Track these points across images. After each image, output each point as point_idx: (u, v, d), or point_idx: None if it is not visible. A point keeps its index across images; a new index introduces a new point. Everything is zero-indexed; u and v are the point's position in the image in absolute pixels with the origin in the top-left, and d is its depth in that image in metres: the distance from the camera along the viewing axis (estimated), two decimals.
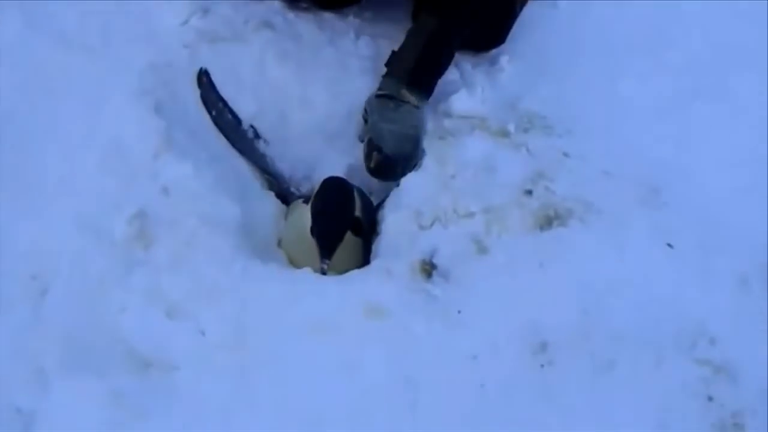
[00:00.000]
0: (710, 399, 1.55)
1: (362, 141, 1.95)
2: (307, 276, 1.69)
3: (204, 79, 2.00)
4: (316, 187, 1.83)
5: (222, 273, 1.66)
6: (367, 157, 1.90)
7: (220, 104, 1.99)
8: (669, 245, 1.72)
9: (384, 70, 1.96)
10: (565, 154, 1.87)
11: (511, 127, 1.91)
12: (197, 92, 1.99)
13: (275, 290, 1.64)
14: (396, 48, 1.96)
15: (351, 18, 2.20)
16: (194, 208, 1.74)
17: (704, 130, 1.97)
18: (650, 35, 2.23)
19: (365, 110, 1.94)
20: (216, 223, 1.73)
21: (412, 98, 1.90)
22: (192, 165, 1.79)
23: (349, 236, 1.77)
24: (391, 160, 1.87)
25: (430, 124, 1.95)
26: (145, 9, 2.07)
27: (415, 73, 1.91)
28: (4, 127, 1.87)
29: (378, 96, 1.91)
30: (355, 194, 1.82)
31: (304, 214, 1.79)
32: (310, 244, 1.73)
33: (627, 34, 2.26)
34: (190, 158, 1.81)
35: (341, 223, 1.77)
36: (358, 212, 1.81)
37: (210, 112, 1.98)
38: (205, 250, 1.69)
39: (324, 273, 1.71)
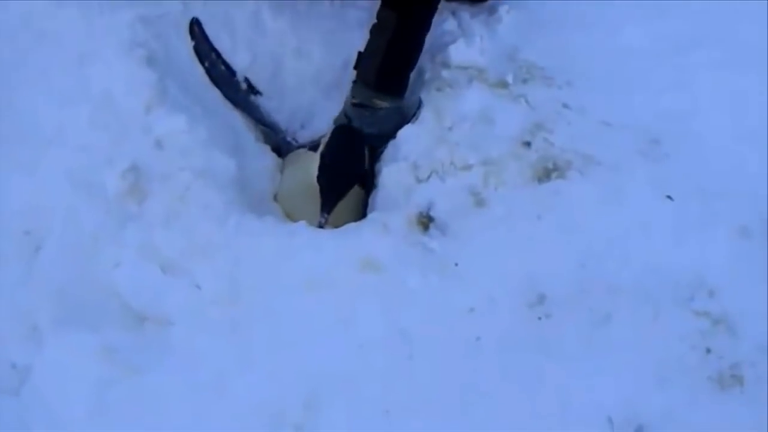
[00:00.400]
0: (708, 351, 1.54)
1: None
2: (303, 230, 1.68)
3: (196, 30, 1.96)
4: (328, 133, 1.81)
5: (216, 228, 1.65)
6: None
7: (213, 55, 1.96)
8: (668, 197, 1.70)
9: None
10: (565, 106, 1.84)
11: (510, 78, 1.88)
12: (191, 44, 1.95)
13: (270, 245, 1.63)
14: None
15: None
16: (188, 163, 1.72)
17: (705, 79, 1.92)
18: None
19: (345, 113, 1.90)
20: (210, 178, 1.71)
21: (385, 103, 1.85)
22: (185, 118, 1.77)
23: (355, 189, 1.76)
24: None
25: (428, 74, 1.93)
26: None
27: (383, 78, 1.84)
28: None
29: (354, 105, 1.87)
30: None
31: (308, 162, 1.77)
32: (314, 193, 1.72)
33: None
34: (183, 111, 1.78)
35: (349, 178, 1.76)
36: (367, 165, 1.80)
37: (202, 63, 1.95)
38: (199, 205, 1.68)
39: (321, 226, 1.69)
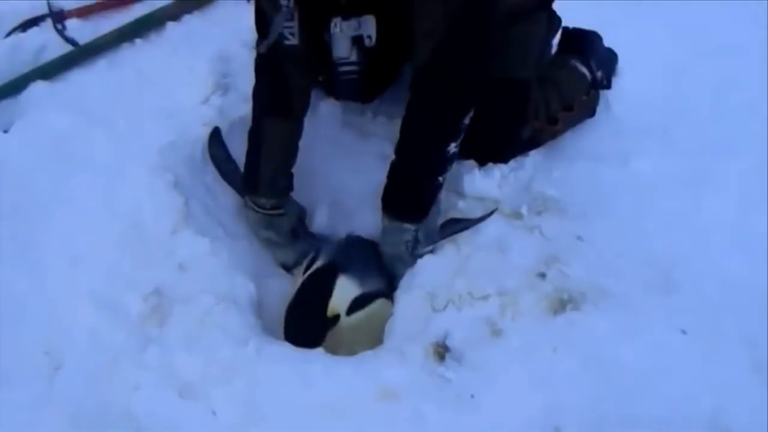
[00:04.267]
0: None
1: None
2: (320, 357, 1.69)
3: (215, 138, 2.03)
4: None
5: (235, 352, 1.66)
6: None
7: (231, 164, 2.03)
8: (682, 331, 1.72)
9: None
10: (579, 237, 1.88)
11: (525, 210, 1.92)
12: (206, 152, 2.03)
13: (288, 371, 1.64)
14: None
15: None
16: (210, 286, 1.75)
17: (715, 211, 1.97)
18: (661, 114, 2.26)
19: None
20: (231, 301, 1.74)
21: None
22: (209, 242, 1.81)
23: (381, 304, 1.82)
24: None
25: (444, 204, 1.96)
26: (168, 86, 2.13)
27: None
28: (22, 198, 1.90)
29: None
30: (343, 281, 1.82)
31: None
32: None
33: (638, 114, 2.30)
34: (207, 235, 1.83)
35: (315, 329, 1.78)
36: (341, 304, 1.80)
37: (219, 169, 2.02)
38: (219, 329, 1.69)
39: None
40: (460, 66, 1.73)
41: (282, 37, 1.80)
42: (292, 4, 1.76)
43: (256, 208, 1.94)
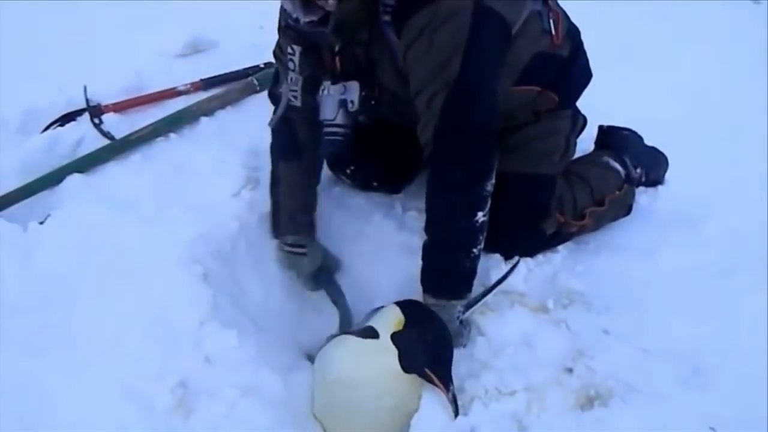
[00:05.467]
0: None
1: None
2: None
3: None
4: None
5: None
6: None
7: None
8: (711, 429, 1.69)
9: None
10: (605, 332, 1.88)
11: (551, 303, 1.93)
12: (245, 261, 2.05)
13: None
14: None
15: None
16: (236, 379, 1.75)
17: (743, 306, 1.95)
18: (688, 205, 2.27)
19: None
20: (256, 394, 1.74)
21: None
22: (236, 334, 1.81)
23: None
24: None
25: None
26: (200, 179, 2.18)
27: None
28: (52, 288, 1.92)
29: None
30: None
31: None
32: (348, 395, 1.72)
33: (663, 205, 2.31)
34: (234, 327, 1.84)
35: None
36: None
37: None
38: (243, 422, 1.68)
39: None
40: (461, 143, 1.81)
41: (288, 99, 2.02)
42: (298, 70, 1.97)
43: (282, 246, 2.10)
